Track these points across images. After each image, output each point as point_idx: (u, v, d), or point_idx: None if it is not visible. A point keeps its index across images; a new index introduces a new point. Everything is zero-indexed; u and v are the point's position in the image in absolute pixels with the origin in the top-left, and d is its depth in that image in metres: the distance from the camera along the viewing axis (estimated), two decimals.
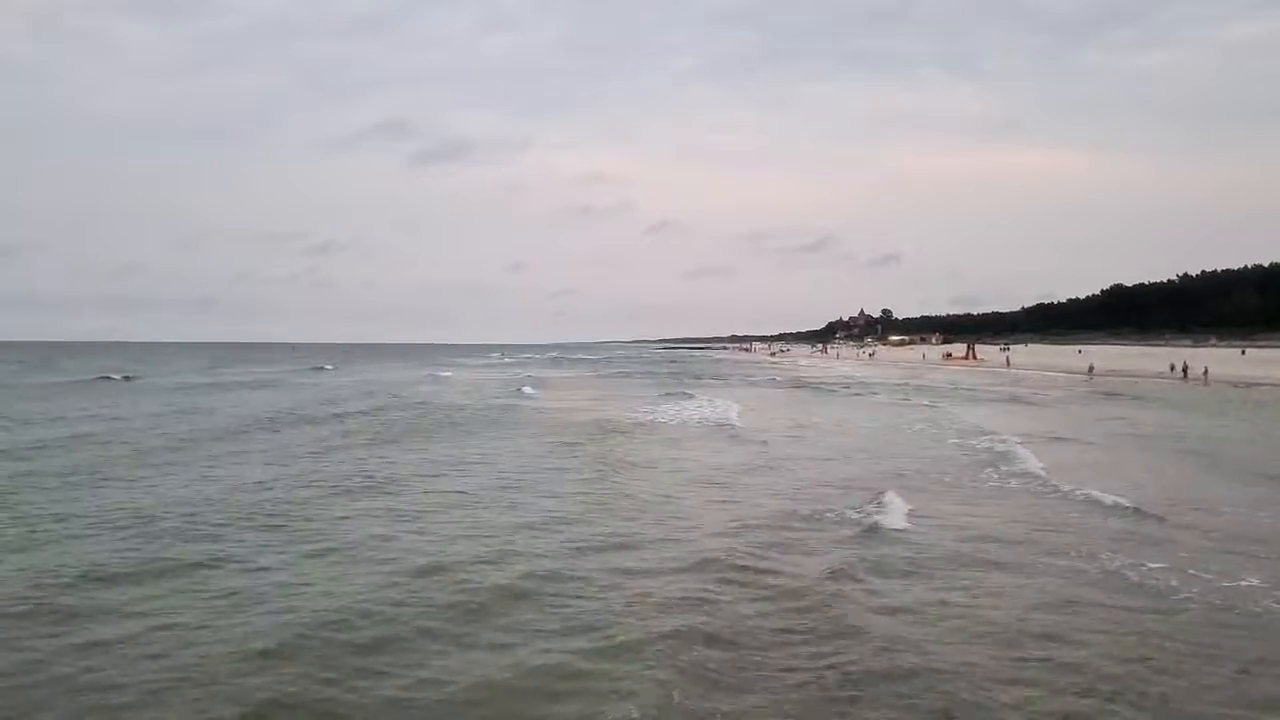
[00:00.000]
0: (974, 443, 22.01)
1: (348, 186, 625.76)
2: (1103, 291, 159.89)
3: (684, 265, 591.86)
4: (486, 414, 31.30)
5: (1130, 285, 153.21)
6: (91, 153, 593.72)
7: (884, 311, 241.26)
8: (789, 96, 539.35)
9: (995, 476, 16.71)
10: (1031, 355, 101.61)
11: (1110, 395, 43.92)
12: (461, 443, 22.56)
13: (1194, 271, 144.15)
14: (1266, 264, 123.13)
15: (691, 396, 41.23)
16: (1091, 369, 69.61)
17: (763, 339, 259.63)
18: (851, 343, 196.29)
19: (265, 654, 7.10)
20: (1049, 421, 28.60)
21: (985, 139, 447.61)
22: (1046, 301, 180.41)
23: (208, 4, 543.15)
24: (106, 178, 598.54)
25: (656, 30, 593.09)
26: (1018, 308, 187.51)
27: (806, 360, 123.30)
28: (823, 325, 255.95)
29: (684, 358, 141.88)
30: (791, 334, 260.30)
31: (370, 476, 16.64)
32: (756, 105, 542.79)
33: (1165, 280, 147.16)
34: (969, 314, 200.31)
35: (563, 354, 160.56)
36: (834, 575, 9.46)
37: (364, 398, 40.37)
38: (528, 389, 46.77)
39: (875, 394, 45.48)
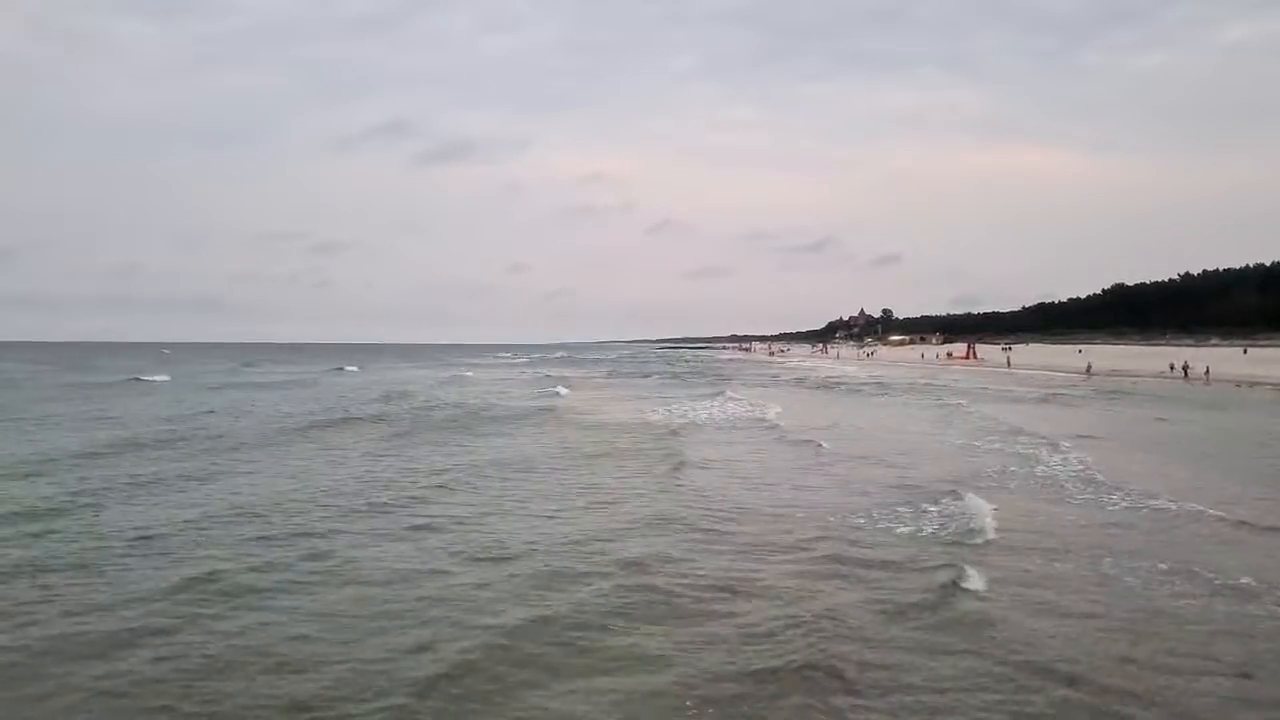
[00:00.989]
0: (1017, 445, 22.53)
1: (349, 187, 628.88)
2: (1104, 291, 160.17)
3: (684, 265, 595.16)
4: (531, 415, 31.95)
5: (1131, 285, 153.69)
6: (91, 153, 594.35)
7: (884, 311, 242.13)
8: (789, 96, 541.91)
9: (1049, 477, 17.35)
10: (1032, 355, 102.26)
11: (1118, 395, 44.75)
12: (520, 442, 23.36)
13: (1195, 271, 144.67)
14: (1268, 263, 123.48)
15: (721, 396, 42.36)
16: (1089, 369, 70.59)
17: (763, 339, 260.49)
18: (852, 342, 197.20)
19: (421, 660, 7.34)
20: (1070, 421, 29.45)
21: (985, 139, 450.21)
22: (1047, 301, 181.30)
23: (208, 4, 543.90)
24: (106, 178, 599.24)
25: (656, 30, 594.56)
26: (1018, 307, 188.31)
27: (810, 361, 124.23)
28: (823, 325, 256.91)
29: (690, 358, 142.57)
30: (792, 334, 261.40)
31: (452, 474, 17.63)
32: (756, 105, 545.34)
33: (1166, 280, 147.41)
34: (969, 314, 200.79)
35: (570, 354, 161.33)
36: (951, 581, 9.45)
37: (403, 397, 41.21)
38: (560, 389, 47.66)
39: (898, 394, 46.47)
